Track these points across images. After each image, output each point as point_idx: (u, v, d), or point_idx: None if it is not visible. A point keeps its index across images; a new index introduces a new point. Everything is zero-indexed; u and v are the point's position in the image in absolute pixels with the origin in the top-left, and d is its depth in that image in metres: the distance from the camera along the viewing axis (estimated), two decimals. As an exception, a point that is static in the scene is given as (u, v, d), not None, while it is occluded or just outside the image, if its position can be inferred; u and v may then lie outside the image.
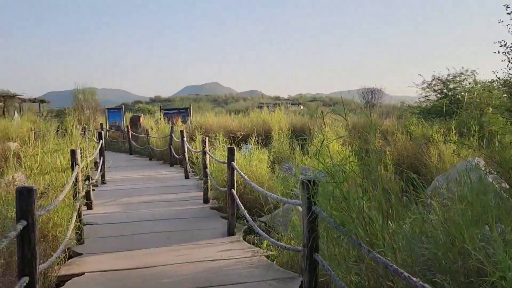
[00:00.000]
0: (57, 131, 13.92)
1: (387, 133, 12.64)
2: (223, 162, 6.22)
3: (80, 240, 5.12)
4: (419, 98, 15.03)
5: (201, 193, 8.29)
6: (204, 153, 7.53)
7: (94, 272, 4.32)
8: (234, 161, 5.55)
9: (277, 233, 5.53)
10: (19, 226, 2.48)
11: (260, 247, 5.22)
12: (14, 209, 4.15)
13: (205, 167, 7.55)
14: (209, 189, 7.53)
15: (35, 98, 30.43)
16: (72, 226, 4.29)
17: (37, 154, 6.46)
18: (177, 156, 12.00)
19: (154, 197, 8.17)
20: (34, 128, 15.92)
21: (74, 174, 4.74)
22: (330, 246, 3.34)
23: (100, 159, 9.38)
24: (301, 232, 4.57)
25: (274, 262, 4.69)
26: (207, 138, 7.63)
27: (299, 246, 4.47)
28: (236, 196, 5.43)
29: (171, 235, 5.67)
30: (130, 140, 16.54)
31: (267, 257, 4.83)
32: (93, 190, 8.20)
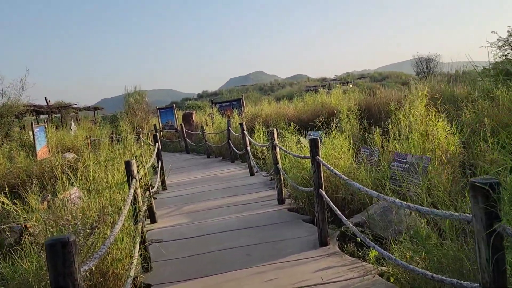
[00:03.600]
0: (111, 137, 13.51)
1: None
2: (304, 157, 5.14)
3: (147, 266, 4.27)
4: (495, 59, 13.02)
5: (272, 192, 7.33)
6: (273, 147, 6.50)
7: (168, 313, 3.44)
8: (319, 155, 4.46)
9: (378, 239, 4.44)
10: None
11: (365, 259, 4.14)
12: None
13: (276, 162, 6.52)
14: (282, 188, 6.51)
15: (89, 106, 30.99)
16: (136, 256, 3.42)
17: (90, 167, 5.75)
18: (237, 151, 11.10)
19: (221, 201, 7.28)
20: (89, 136, 15.74)
21: (132, 190, 3.88)
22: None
23: (158, 163, 8.66)
24: (424, 241, 3.44)
25: (391, 282, 3.59)
26: (275, 129, 6.58)
27: (423, 265, 3.36)
28: (328, 198, 4.35)
29: (251, 251, 4.70)
30: (185, 138, 15.91)
31: (381, 275, 3.73)
32: (155, 198, 7.46)
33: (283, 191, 6.54)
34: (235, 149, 11.28)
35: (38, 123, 18.16)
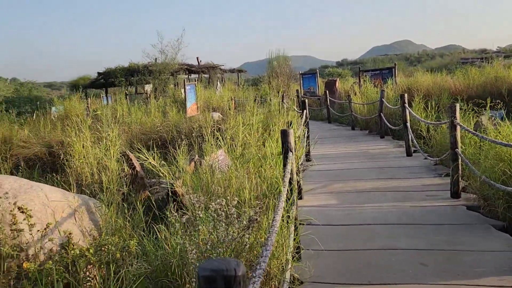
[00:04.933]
0: (255, 100, 13.34)
1: None
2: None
3: (297, 256, 3.60)
4: None
5: (440, 180, 6.08)
6: (453, 126, 5.18)
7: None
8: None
9: None
10: None
11: None
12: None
13: (454, 146, 5.21)
14: (460, 178, 5.22)
15: (233, 69, 32.10)
16: (290, 251, 2.73)
17: (238, 131, 5.30)
18: (391, 126, 9.79)
19: (374, 183, 6.29)
20: (233, 97, 15.92)
21: (289, 166, 3.17)
22: None
23: (304, 132, 7.96)
24: None
25: None
26: (457, 104, 5.23)
27: None
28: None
29: (422, 258, 3.67)
30: (329, 107, 15.00)
31: None
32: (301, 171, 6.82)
33: (460, 182, 5.24)
34: (387, 123, 9.97)
35: (189, 81, 19.18)
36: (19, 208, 2.65)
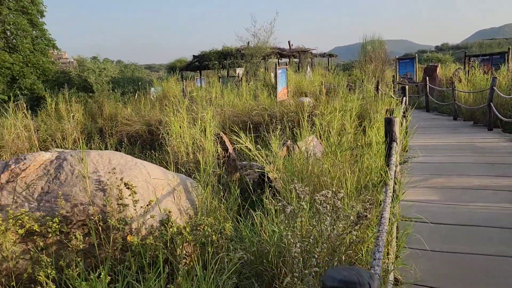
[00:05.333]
0: (347, 85, 12.87)
1: None
2: None
3: (399, 255, 3.33)
4: None
5: None
6: None
7: None
8: None
9: None
10: None
11: None
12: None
13: None
14: None
15: (324, 53, 31.33)
16: (394, 250, 2.51)
17: (334, 118, 5.08)
18: (502, 117, 8.76)
19: (483, 180, 5.66)
20: (324, 83, 15.53)
21: (393, 158, 2.90)
22: None
23: (403, 120, 7.45)
24: None
25: None
26: None
27: None
28: None
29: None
30: (428, 94, 13.94)
31: None
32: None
33: None
34: (498, 114, 8.94)
35: (279, 65, 19.14)
36: (125, 184, 2.78)
